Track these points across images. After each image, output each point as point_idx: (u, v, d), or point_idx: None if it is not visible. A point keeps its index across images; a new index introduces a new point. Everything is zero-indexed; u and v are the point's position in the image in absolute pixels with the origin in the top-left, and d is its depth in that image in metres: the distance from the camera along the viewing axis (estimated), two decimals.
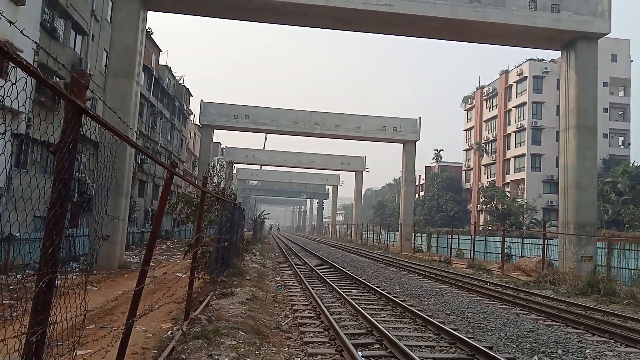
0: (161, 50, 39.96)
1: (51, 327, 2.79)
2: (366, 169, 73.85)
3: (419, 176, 73.02)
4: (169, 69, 42.77)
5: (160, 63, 40.35)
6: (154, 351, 6.69)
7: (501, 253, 24.19)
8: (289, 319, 9.59)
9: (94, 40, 24.70)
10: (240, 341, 6.88)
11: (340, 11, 20.62)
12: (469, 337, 8.17)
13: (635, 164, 49.74)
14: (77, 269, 7.79)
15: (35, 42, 18.68)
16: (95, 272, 15.02)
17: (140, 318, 5.21)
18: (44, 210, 2.91)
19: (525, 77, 55.74)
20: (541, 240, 22.37)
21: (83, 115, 2.87)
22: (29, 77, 2.36)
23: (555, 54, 39.51)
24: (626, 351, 8.20)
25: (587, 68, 21.97)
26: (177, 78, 46.77)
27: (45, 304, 2.67)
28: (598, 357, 7.70)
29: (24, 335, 2.56)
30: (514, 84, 57.98)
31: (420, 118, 48.37)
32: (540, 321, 10.65)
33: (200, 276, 11.27)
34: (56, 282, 2.78)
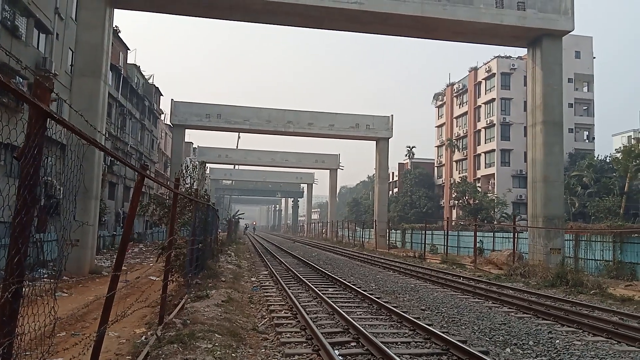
0: (129, 49, 39.13)
1: (19, 337, 2.70)
2: (340, 167, 74.20)
3: (393, 173, 73.72)
4: (137, 67, 41.92)
5: (128, 62, 39.52)
6: (127, 357, 6.57)
7: (473, 247, 24.67)
8: (266, 319, 9.55)
9: (59, 39, 24.00)
10: (216, 344, 6.82)
11: (311, 9, 20.60)
12: (443, 332, 8.29)
13: (599, 158, 51.41)
14: (45, 275, 7.56)
15: None
16: (65, 278, 14.65)
17: (113, 324, 5.11)
18: (8, 216, 2.82)
19: (494, 74, 56.88)
20: (512, 233, 22.88)
21: (48, 119, 2.79)
22: None
23: (522, 51, 40.48)
24: (593, 340, 8.47)
25: (552, 65, 22.55)
26: (146, 77, 45.88)
27: (11, 315, 2.59)
28: (567, 346, 7.92)
29: None
30: (483, 81, 59.10)
31: (392, 115, 48.91)
32: (512, 313, 10.90)
33: (174, 279, 11.12)
34: (23, 291, 2.70)
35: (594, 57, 58.87)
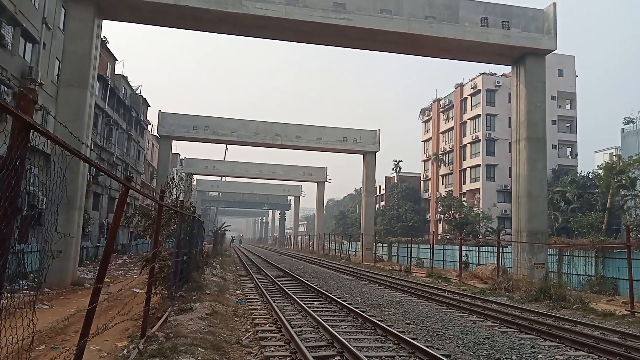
0: (117, 60, 39.03)
1: None
2: (328, 180, 74.30)
3: (380, 186, 73.97)
4: (125, 78, 41.77)
5: (116, 72, 39.38)
6: None
7: (459, 261, 24.78)
8: (250, 333, 9.48)
9: (46, 48, 23.87)
10: (199, 358, 6.75)
11: (300, 24, 20.80)
12: (427, 346, 8.31)
13: (582, 174, 52.22)
14: (26, 287, 7.43)
15: None
16: (46, 289, 14.40)
17: (94, 337, 5.04)
18: None
19: (479, 91, 57.68)
20: (496, 248, 23.06)
21: (31, 130, 2.79)
22: None
23: (507, 69, 41.14)
24: (575, 354, 8.55)
25: (536, 82, 23.00)
26: (133, 88, 45.72)
27: None
28: None
29: None
30: (469, 97, 59.89)
31: (379, 130, 49.20)
32: (496, 328, 10.97)
33: (158, 292, 10.99)
34: (1, 303, 2.67)
35: (577, 76, 60.12)
